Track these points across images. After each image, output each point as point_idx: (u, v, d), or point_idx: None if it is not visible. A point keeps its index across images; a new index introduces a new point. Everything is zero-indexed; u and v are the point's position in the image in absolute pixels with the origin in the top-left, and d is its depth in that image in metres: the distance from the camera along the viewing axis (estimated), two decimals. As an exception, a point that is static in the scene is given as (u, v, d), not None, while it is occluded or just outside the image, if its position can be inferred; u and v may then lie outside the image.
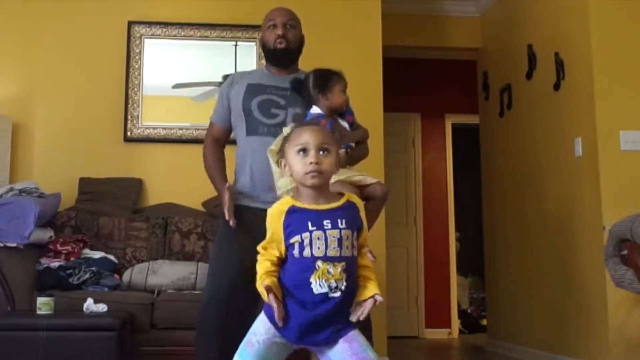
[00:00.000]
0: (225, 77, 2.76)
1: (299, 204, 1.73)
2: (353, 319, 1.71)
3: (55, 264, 3.44)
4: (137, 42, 4.35)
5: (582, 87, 3.98)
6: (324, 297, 1.67)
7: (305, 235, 1.69)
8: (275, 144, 2.36)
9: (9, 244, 3.36)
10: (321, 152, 1.73)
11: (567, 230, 4.13)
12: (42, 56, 4.28)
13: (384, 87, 4.46)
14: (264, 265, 1.72)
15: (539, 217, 4.53)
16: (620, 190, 3.73)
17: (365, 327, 2.23)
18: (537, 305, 4.53)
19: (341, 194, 1.80)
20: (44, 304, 3.03)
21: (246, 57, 4.33)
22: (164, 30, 4.39)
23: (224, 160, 2.65)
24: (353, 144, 2.44)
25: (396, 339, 5.50)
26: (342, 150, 2.36)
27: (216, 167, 2.60)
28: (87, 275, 3.40)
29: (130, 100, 4.27)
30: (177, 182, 4.17)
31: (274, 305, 1.66)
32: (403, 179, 6.62)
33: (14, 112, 4.14)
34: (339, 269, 1.68)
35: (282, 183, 2.30)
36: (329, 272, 1.67)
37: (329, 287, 1.67)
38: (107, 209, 3.92)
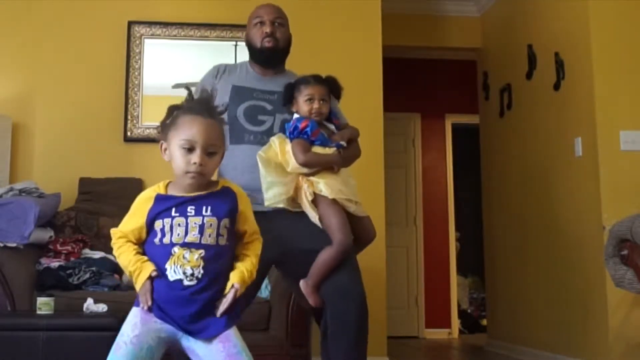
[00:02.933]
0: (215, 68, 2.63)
1: (167, 193, 1.71)
2: (217, 313, 1.65)
3: (55, 264, 3.44)
4: (137, 42, 4.35)
5: (582, 87, 3.98)
6: (180, 285, 1.62)
7: (167, 220, 1.65)
8: (264, 151, 2.31)
9: (9, 244, 3.36)
10: (208, 154, 1.68)
11: (567, 230, 4.13)
12: (42, 56, 4.28)
13: (384, 87, 4.46)
14: (131, 252, 1.70)
15: (539, 217, 4.53)
16: (620, 190, 3.73)
17: (361, 328, 2.24)
18: (537, 305, 4.53)
19: (218, 182, 1.76)
20: (43, 304, 3.02)
21: (246, 57, 4.31)
22: (164, 30, 4.39)
23: None
24: (344, 143, 2.37)
25: (396, 339, 5.50)
26: (334, 149, 2.35)
27: None
28: (87, 275, 3.40)
29: (130, 100, 4.27)
30: (177, 182, 4.16)
31: (148, 293, 1.63)
32: (403, 179, 6.62)
33: (14, 112, 4.14)
34: (196, 256, 1.63)
35: (272, 194, 2.26)
36: (184, 258, 1.63)
37: (184, 273, 1.62)
38: (107, 209, 3.92)
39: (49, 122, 4.22)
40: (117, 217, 3.81)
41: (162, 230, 1.66)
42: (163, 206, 1.68)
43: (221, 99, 2.41)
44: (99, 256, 3.58)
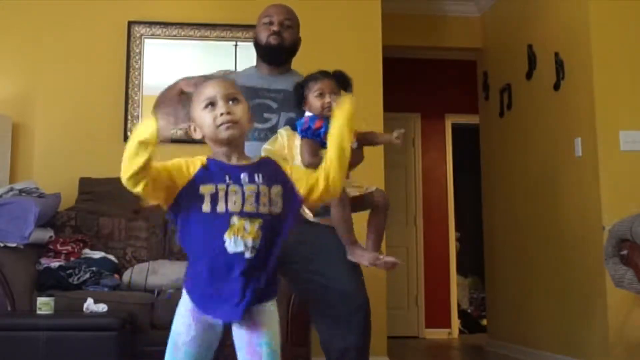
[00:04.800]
0: (224, 71, 2.62)
1: (216, 158, 1.61)
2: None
3: (55, 264, 3.44)
4: (137, 42, 4.35)
5: (582, 87, 3.98)
6: (239, 257, 1.52)
7: (222, 187, 1.54)
8: (269, 143, 2.31)
9: (9, 244, 3.36)
10: (231, 102, 1.61)
11: (567, 230, 4.13)
12: (42, 56, 4.28)
13: (384, 87, 4.46)
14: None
15: (539, 217, 4.53)
16: (620, 190, 3.73)
17: (365, 332, 2.23)
18: (537, 305, 4.53)
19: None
20: (44, 304, 3.03)
21: (246, 57, 4.31)
22: (164, 30, 4.39)
23: None
24: (355, 145, 2.32)
25: (396, 339, 5.49)
26: (355, 144, 2.32)
27: None
28: (87, 275, 3.40)
29: (130, 100, 4.27)
30: (177, 182, 4.16)
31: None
32: (403, 179, 6.62)
33: (14, 112, 4.14)
34: (256, 226, 1.54)
35: None
36: (245, 229, 1.53)
37: (245, 245, 1.52)
38: (107, 209, 3.92)
39: (49, 122, 4.22)
40: (117, 217, 3.87)
41: (215, 196, 1.54)
42: (215, 168, 1.58)
43: None
44: (99, 256, 3.58)
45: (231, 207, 1.54)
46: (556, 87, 4.28)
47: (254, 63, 2.63)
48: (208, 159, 1.60)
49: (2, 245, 3.34)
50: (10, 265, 3.30)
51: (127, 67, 4.30)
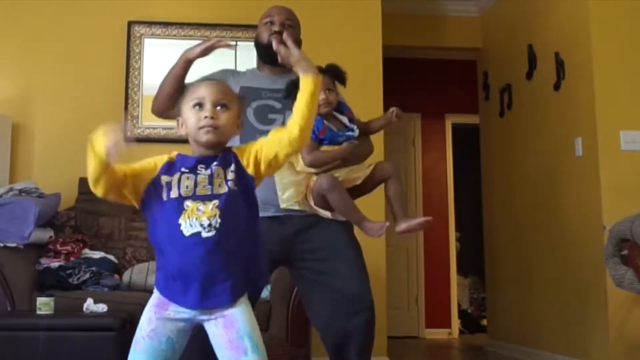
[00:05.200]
0: (224, 71, 2.61)
1: (184, 154, 1.69)
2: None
3: (55, 264, 3.44)
4: (137, 42, 4.35)
5: (582, 87, 3.98)
6: (197, 239, 1.57)
7: (176, 175, 1.62)
8: None
9: (9, 244, 3.36)
10: (218, 107, 1.66)
11: (568, 230, 4.13)
12: (42, 56, 4.28)
13: (384, 87, 4.46)
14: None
15: (539, 217, 4.53)
16: (620, 190, 3.73)
17: (367, 335, 2.24)
18: (537, 305, 4.53)
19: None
20: (43, 304, 3.03)
21: (246, 57, 4.31)
22: (164, 30, 4.39)
23: None
24: (356, 133, 2.34)
25: (396, 339, 5.49)
26: (347, 142, 2.32)
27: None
28: (87, 275, 3.40)
29: (130, 100, 4.28)
30: (177, 182, 4.16)
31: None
32: (403, 179, 6.61)
33: (14, 112, 4.14)
34: (210, 206, 1.59)
35: (288, 196, 2.24)
36: (198, 210, 1.58)
37: (201, 225, 1.57)
38: (107, 209, 3.92)
39: (49, 122, 4.22)
40: (117, 217, 3.87)
41: (169, 184, 1.62)
42: (179, 161, 1.67)
43: None
44: (99, 256, 3.59)
45: (183, 191, 1.60)
46: (556, 87, 4.28)
47: (254, 63, 2.63)
48: (177, 154, 1.68)
49: (2, 245, 3.35)
50: (10, 265, 3.30)
51: (127, 67, 4.30)
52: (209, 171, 1.62)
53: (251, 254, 1.68)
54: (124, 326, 3.03)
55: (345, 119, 2.36)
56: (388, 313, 4.34)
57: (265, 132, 2.38)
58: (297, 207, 2.25)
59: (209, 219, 1.58)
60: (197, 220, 1.57)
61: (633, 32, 3.89)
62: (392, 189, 2.29)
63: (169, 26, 4.39)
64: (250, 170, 1.67)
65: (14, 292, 3.26)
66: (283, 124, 2.41)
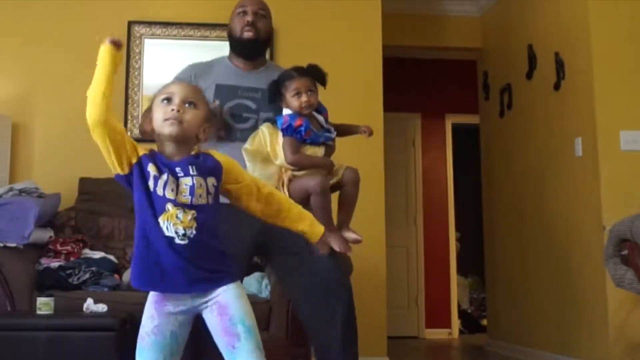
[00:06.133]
0: (193, 66, 2.61)
1: (157, 152, 1.71)
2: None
3: (55, 264, 3.44)
4: (137, 42, 4.35)
5: (582, 87, 3.98)
6: (171, 241, 1.62)
7: (163, 176, 1.64)
8: (248, 142, 2.32)
9: (9, 244, 3.36)
10: (187, 105, 1.69)
11: (567, 230, 4.13)
12: (42, 56, 4.28)
13: (384, 87, 4.45)
14: None
15: (539, 217, 4.53)
16: (620, 190, 3.73)
17: (349, 327, 2.24)
18: (537, 305, 4.53)
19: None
20: (43, 304, 3.02)
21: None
22: (164, 30, 4.39)
23: None
24: (333, 135, 2.37)
25: (396, 339, 5.50)
26: (324, 150, 2.34)
27: None
28: (87, 276, 3.40)
29: (130, 100, 4.28)
30: (177, 182, 4.16)
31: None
32: (403, 179, 6.62)
33: (14, 112, 4.13)
34: (189, 217, 1.63)
35: None
36: (177, 217, 1.62)
37: (176, 232, 1.62)
38: (107, 209, 3.92)
39: (49, 122, 4.22)
40: (117, 217, 3.86)
41: (156, 178, 1.64)
42: (157, 159, 1.68)
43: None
44: (99, 256, 3.58)
45: (168, 194, 1.63)
46: (556, 87, 4.28)
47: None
48: (151, 150, 1.71)
49: (2, 245, 3.34)
50: (10, 265, 3.30)
51: (127, 67, 4.30)
52: (188, 179, 1.65)
53: (223, 254, 1.71)
54: (124, 326, 3.02)
55: (322, 119, 2.39)
56: (388, 313, 4.33)
57: (242, 130, 2.40)
58: None
59: (184, 229, 1.62)
60: (174, 226, 1.62)
61: (633, 32, 3.89)
62: (349, 195, 2.33)
63: (169, 26, 4.39)
64: (224, 187, 1.74)
65: (14, 292, 3.26)
66: (256, 125, 2.40)
